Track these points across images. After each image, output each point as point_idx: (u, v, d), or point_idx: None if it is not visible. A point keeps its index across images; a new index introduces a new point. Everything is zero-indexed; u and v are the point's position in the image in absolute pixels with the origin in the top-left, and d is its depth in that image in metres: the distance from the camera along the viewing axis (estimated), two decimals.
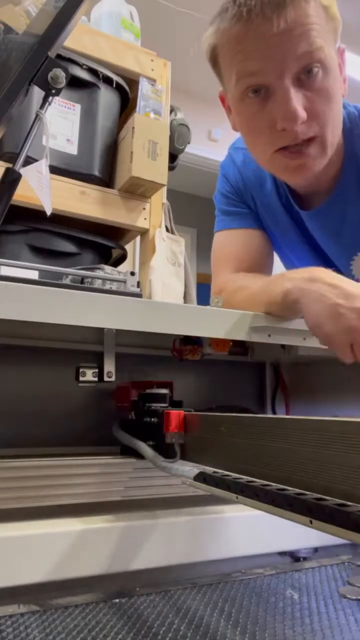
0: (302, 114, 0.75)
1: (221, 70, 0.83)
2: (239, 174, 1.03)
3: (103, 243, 1.38)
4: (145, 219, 1.45)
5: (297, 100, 0.75)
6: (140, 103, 1.39)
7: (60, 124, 1.33)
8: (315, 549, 0.74)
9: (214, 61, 0.83)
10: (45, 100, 0.68)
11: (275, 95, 0.76)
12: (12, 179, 0.66)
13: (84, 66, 1.34)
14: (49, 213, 0.74)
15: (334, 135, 0.82)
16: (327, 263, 0.97)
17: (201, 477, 0.50)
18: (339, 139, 0.87)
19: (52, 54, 0.65)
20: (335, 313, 0.65)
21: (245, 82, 0.77)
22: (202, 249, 4.85)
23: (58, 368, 0.88)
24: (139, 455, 0.67)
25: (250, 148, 0.88)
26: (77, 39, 1.35)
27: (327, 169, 0.87)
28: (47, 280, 0.66)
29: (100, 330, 0.72)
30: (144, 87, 1.40)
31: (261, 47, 0.74)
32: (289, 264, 1.10)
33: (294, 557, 0.73)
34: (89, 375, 0.74)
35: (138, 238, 1.56)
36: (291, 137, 0.78)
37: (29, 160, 0.69)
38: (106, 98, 1.40)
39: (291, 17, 0.72)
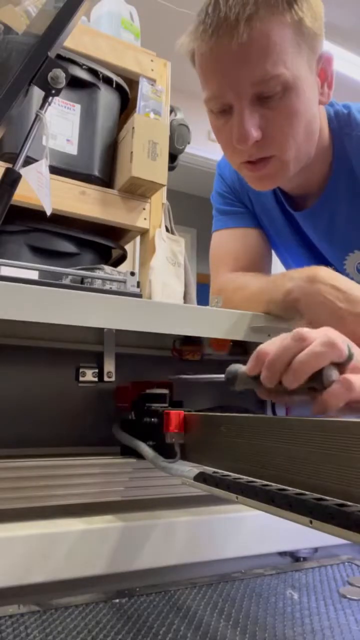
0: (255, 134, 0.74)
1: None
2: (235, 174, 1.03)
3: (103, 243, 1.38)
4: (145, 219, 1.45)
5: (250, 122, 0.74)
6: (140, 103, 1.39)
7: (60, 124, 1.33)
8: (315, 549, 0.74)
9: (193, 64, 0.83)
10: (45, 100, 0.68)
11: (233, 114, 0.76)
12: (12, 179, 0.66)
13: (83, 66, 1.34)
14: (49, 213, 0.74)
15: (300, 151, 0.81)
16: (323, 263, 0.97)
17: (201, 477, 0.50)
18: (324, 141, 0.87)
19: (52, 54, 0.65)
20: (337, 317, 0.65)
21: (210, 104, 0.79)
22: (202, 249, 4.85)
23: (58, 368, 0.88)
24: (139, 456, 0.67)
25: (224, 155, 0.89)
26: (77, 39, 1.35)
27: (314, 170, 0.87)
28: (47, 281, 0.66)
29: (100, 330, 0.72)
30: (143, 87, 1.40)
31: (218, 68, 0.74)
32: (286, 264, 1.10)
33: (294, 557, 0.73)
34: (89, 375, 0.73)
35: (138, 238, 1.56)
36: (247, 155, 0.79)
37: (29, 160, 0.69)
38: (106, 98, 1.40)
39: (244, 39, 0.70)
